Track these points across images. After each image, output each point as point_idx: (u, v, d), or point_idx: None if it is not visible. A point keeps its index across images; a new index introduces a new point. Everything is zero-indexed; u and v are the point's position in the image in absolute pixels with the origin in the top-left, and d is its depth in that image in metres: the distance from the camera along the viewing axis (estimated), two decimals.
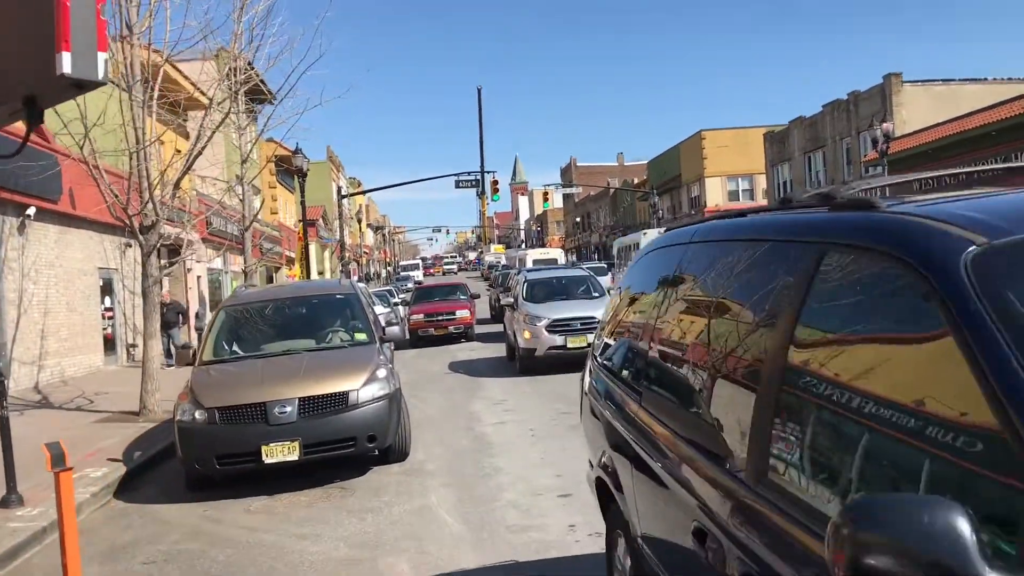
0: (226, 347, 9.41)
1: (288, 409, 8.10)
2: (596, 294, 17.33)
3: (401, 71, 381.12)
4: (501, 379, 15.32)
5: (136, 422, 12.86)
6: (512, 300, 17.62)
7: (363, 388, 8.36)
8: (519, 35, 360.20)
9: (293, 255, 48.86)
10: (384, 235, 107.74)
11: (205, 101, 15.33)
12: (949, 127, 29.87)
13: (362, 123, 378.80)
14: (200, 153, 13.72)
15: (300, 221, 51.37)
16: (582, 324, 15.15)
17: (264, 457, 7.98)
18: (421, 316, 23.96)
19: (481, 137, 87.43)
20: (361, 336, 9.50)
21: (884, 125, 29.03)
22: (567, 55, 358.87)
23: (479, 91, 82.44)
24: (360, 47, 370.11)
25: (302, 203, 30.53)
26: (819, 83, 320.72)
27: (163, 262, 14.72)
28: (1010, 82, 34.79)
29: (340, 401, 8.25)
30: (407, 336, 23.72)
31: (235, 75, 14.97)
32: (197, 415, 8.22)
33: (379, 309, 16.96)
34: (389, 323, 9.69)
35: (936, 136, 30.27)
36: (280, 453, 7.99)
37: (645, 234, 34.20)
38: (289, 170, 54.67)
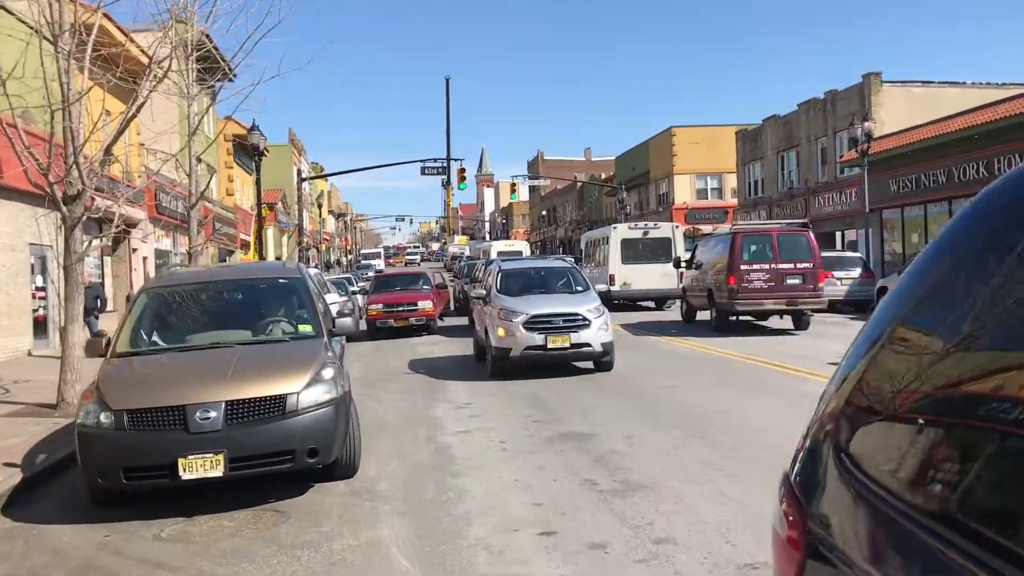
0: (145, 337, 7.95)
1: (212, 414, 6.70)
2: (579, 288, 15.29)
3: (368, 60, 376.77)
4: (466, 379, 13.98)
5: (51, 416, 11.34)
6: (483, 293, 15.45)
7: (305, 391, 6.99)
8: (488, 29, 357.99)
9: (249, 239, 47.06)
10: (346, 222, 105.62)
11: (144, 60, 13.76)
12: (930, 129, 29.14)
13: (328, 110, 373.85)
14: (135, 115, 12.20)
15: (255, 201, 49.56)
16: (565, 322, 13.45)
17: (181, 472, 6.58)
18: (380, 306, 22.54)
19: (448, 127, 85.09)
20: (306, 328, 8.10)
21: (866, 124, 28.16)
22: (537, 49, 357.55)
23: (447, 81, 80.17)
24: (325, 35, 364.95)
25: (257, 183, 28.86)
26: (785, 87, 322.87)
27: (90, 238, 13.15)
28: (989, 87, 34.27)
29: (276, 406, 6.88)
30: (359, 328, 22.30)
31: (175, 32, 13.34)
32: (102, 418, 6.79)
33: (332, 298, 15.52)
34: (341, 314, 8.29)
35: (916, 138, 29.52)
36: (201, 468, 6.59)
37: (615, 228, 33.02)
38: (247, 150, 52.83)
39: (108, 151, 12.15)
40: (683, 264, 26.43)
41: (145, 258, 30.54)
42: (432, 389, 12.97)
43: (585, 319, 13.41)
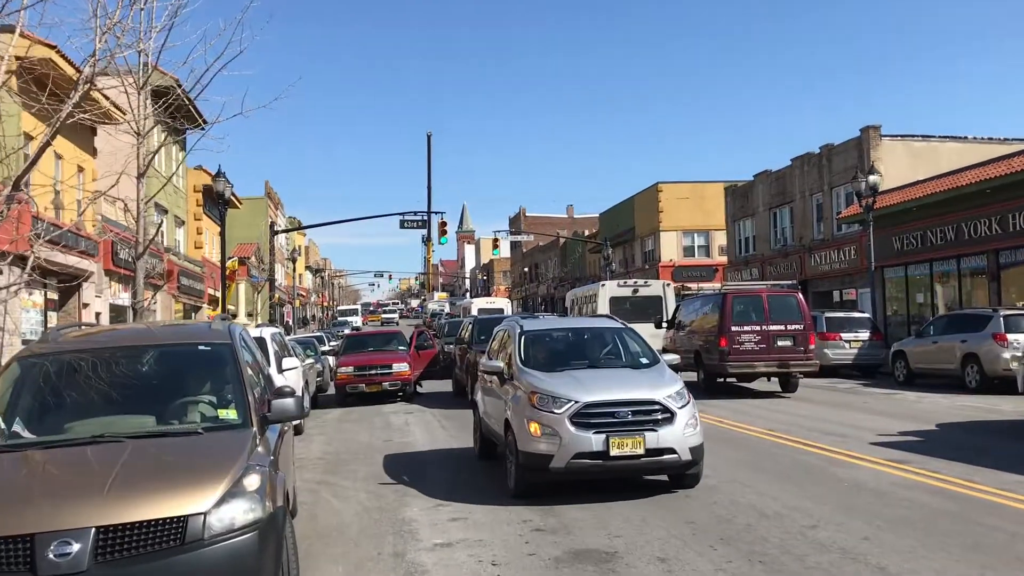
0: (3, 426, 5.77)
1: (74, 548, 4.53)
2: (644, 359, 10.25)
3: (348, 117, 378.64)
4: (447, 464, 11.76)
5: None
6: (499, 366, 10.43)
7: (216, 510, 4.84)
8: (468, 86, 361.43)
9: (218, 294, 44.79)
10: (323, 278, 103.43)
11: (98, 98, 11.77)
12: (940, 183, 27.65)
13: (307, 166, 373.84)
14: (50, 141, 10.14)
15: (230, 257, 47.34)
16: (636, 414, 8.72)
17: None
18: (351, 369, 20.36)
19: (429, 182, 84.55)
20: (229, 414, 5.93)
21: (871, 177, 26.63)
22: (519, 106, 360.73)
23: (428, 137, 79.40)
24: (303, 90, 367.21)
25: (221, 234, 26.78)
26: (770, 146, 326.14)
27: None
28: (991, 142, 33.08)
29: (172, 533, 4.71)
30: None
31: (103, 47, 11.30)
32: None
33: (292, 362, 13.37)
34: (281, 393, 6.12)
35: (925, 192, 28.01)
36: None
37: (603, 285, 31.17)
38: (225, 204, 50.80)
39: (17, 185, 10.06)
40: (664, 324, 25.29)
41: (99, 314, 28.21)
42: (406, 474, 10.75)
43: (666, 410, 8.80)
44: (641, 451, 8.58)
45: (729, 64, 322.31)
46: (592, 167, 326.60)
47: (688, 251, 55.71)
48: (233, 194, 46.33)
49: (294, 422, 7.56)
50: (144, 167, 16.85)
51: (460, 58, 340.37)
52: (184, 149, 41.96)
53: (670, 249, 55.43)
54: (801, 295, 20.49)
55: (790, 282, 24.56)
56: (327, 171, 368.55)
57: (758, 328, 19.47)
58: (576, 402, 8.73)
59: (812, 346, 19.80)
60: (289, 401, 6.08)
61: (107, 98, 19.70)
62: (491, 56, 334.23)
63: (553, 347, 10.68)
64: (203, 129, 35.57)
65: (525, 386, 9.37)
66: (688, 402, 9.06)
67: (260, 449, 5.64)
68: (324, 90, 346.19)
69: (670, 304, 30.29)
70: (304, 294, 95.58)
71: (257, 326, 16.99)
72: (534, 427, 8.82)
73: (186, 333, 7.19)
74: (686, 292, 30.83)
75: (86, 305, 26.56)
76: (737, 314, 19.68)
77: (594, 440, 8.55)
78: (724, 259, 51.45)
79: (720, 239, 53.89)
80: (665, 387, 9.13)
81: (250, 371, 6.62)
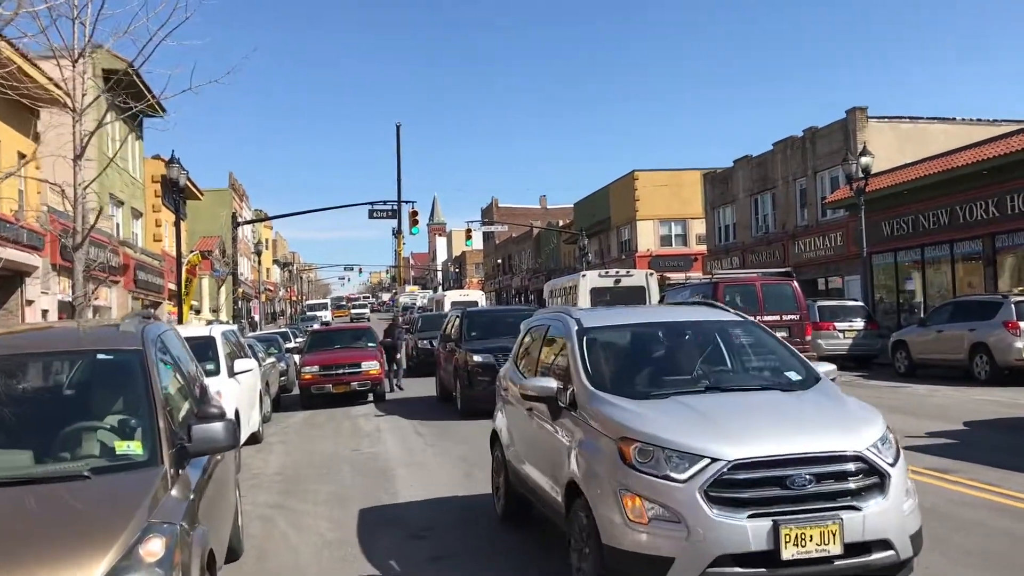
0: None
1: None
2: (796, 375, 6.30)
3: (317, 110, 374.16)
4: (423, 477, 10.29)
5: None
6: (551, 388, 6.05)
7: None
8: (439, 80, 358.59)
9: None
10: (291, 272, 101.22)
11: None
12: (933, 164, 26.54)
13: (273, 158, 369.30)
14: None
15: (191, 250, 45.34)
16: (820, 480, 4.84)
17: None
18: (315, 368, 18.75)
19: (399, 173, 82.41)
20: (132, 447, 4.40)
21: (863, 159, 25.44)
22: (489, 97, 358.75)
23: (398, 128, 77.28)
24: (278, 85, 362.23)
25: (177, 224, 24.97)
26: (746, 132, 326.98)
27: None
28: (980, 123, 32.11)
29: None
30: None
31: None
32: None
33: (245, 364, 11.81)
34: (206, 415, 4.56)
35: (918, 174, 26.89)
36: None
37: (584, 276, 29.80)
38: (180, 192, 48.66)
39: None
40: None
41: (46, 311, 26.31)
42: (376, 496, 9.24)
43: (873, 470, 4.99)
44: (837, 549, 4.76)
45: (703, 52, 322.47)
46: (564, 155, 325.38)
47: (665, 240, 54.52)
48: (190, 181, 44.32)
49: (254, 428, 6.03)
50: (81, 148, 15.12)
51: (430, 47, 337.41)
52: (140, 138, 40.03)
53: (647, 238, 54.22)
54: (796, 283, 19.24)
55: (785, 269, 23.31)
56: (295, 166, 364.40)
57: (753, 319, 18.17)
58: (714, 460, 4.85)
59: (808, 337, 18.63)
60: (216, 427, 4.55)
61: (35, 66, 17.93)
62: (461, 45, 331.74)
63: (639, 355, 6.72)
64: (155, 112, 33.62)
65: (606, 425, 5.40)
66: (899, 454, 5.25)
67: (174, 493, 4.14)
68: (292, 85, 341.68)
69: (654, 295, 29.04)
70: (272, 289, 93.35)
71: (208, 323, 15.38)
72: (633, 504, 4.92)
73: (86, 337, 5.60)
74: (671, 283, 29.59)
75: (30, 302, 24.67)
76: (729, 304, 18.37)
77: (752, 531, 4.72)
78: (702, 248, 50.33)
79: (698, 228, 52.77)
80: (861, 427, 5.25)
81: (171, 387, 5.09)
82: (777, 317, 18.32)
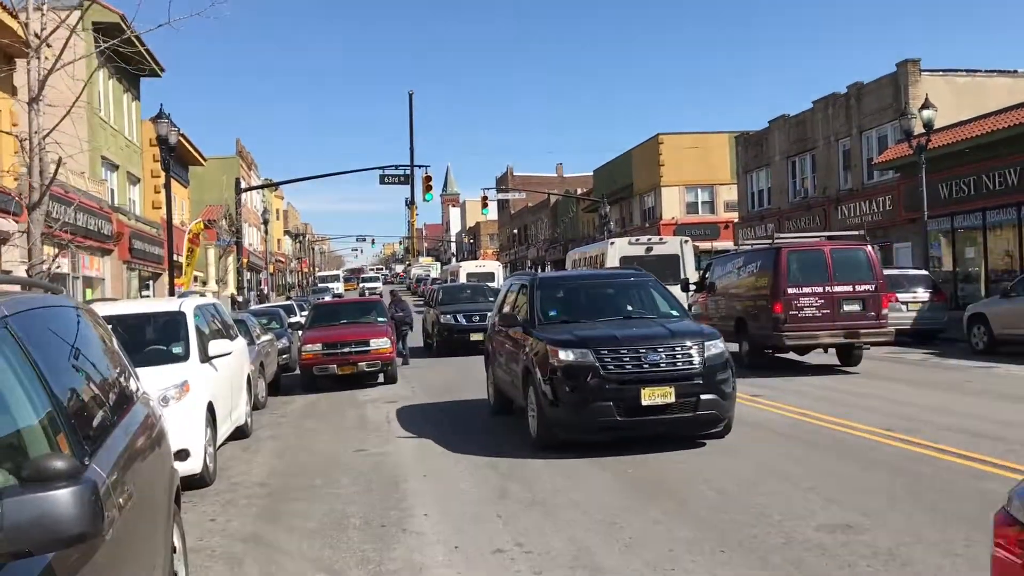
0: None
1: None
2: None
3: (330, 79, 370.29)
4: (446, 490, 8.06)
5: None
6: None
7: None
8: (452, 45, 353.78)
9: (182, 260, 40.73)
10: (301, 243, 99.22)
11: None
12: (1003, 118, 23.91)
13: (283, 128, 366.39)
14: None
15: (196, 220, 43.17)
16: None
17: None
18: (318, 347, 16.53)
19: (412, 142, 79.96)
20: None
21: (926, 112, 22.86)
22: (502, 64, 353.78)
23: (410, 96, 74.63)
24: (284, 57, 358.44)
25: (167, 186, 22.75)
26: (775, 97, 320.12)
27: None
28: None
29: None
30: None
31: None
32: None
33: (223, 346, 9.61)
34: (42, 473, 2.34)
35: (984, 130, 24.27)
36: None
37: (612, 243, 27.50)
38: (183, 158, 46.36)
39: None
40: (692, 286, 21.82)
41: None
42: (382, 519, 7.03)
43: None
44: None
45: (732, 17, 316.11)
46: (582, 120, 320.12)
47: (691, 208, 51.93)
48: (188, 142, 42.07)
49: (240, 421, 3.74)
50: (38, 88, 12.82)
51: (444, 12, 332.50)
52: (138, 99, 37.74)
53: (672, 206, 51.64)
54: (871, 248, 16.80)
55: (857, 232, 20.85)
56: (305, 135, 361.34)
57: (820, 290, 15.88)
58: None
59: (885, 310, 16.25)
60: (53, 503, 2.31)
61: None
62: (475, 10, 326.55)
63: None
64: (153, 72, 30.97)
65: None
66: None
67: None
68: (307, 62, 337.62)
69: (688, 263, 26.80)
70: (284, 260, 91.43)
71: (181, 296, 13.20)
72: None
73: None
74: (718, 251, 27.27)
75: (8, 272, 22.62)
76: (794, 273, 16.07)
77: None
78: (730, 216, 47.81)
79: (725, 194, 50.20)
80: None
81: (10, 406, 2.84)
82: (849, 288, 15.95)
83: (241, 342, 11.98)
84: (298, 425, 12.71)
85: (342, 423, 12.53)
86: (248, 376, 11.98)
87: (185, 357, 9.04)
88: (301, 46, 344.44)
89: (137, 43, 32.86)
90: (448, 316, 23.02)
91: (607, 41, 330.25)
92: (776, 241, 17.54)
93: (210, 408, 8.92)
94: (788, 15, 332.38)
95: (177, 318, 9.46)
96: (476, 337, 20.47)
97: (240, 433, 11.32)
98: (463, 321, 22.74)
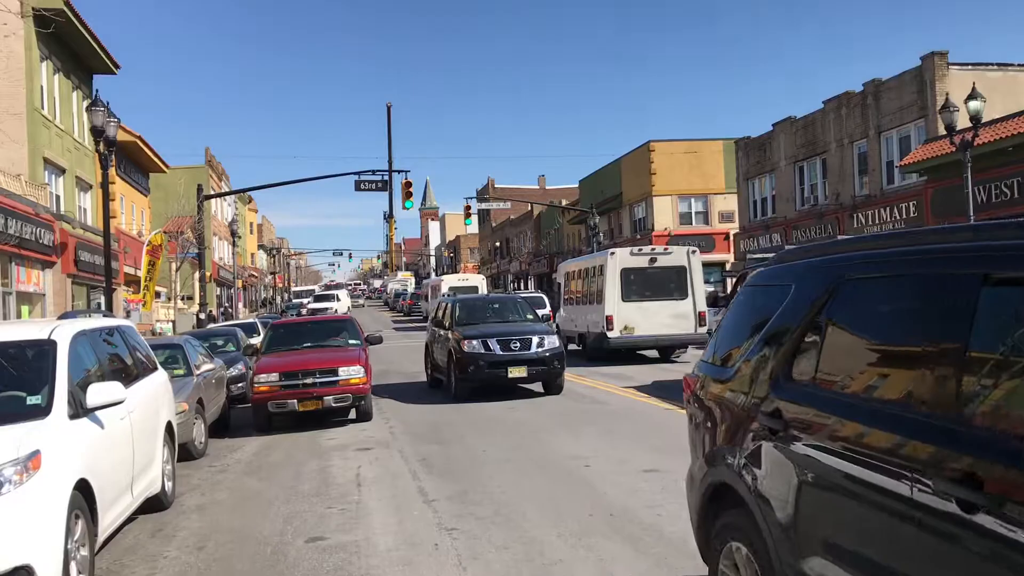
0: None
1: None
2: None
3: (307, 90, 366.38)
4: None
5: None
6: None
7: None
8: (431, 61, 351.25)
9: (139, 273, 37.40)
10: (275, 257, 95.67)
11: None
12: None
13: (258, 139, 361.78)
14: None
15: (151, 229, 39.87)
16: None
17: None
18: (275, 377, 13.35)
19: (390, 150, 76.99)
20: None
21: (973, 103, 20.22)
22: (482, 80, 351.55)
23: (388, 108, 71.63)
24: (269, 68, 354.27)
25: (104, 187, 19.58)
26: (770, 103, 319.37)
27: None
28: None
29: None
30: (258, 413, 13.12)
31: None
32: None
33: (101, 394, 6.53)
34: None
35: None
36: None
37: (612, 254, 24.65)
38: (141, 165, 43.02)
39: None
40: (719, 301, 19.29)
41: None
42: None
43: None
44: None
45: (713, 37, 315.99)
46: (566, 129, 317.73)
47: (685, 218, 49.24)
48: (141, 141, 38.75)
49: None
50: None
51: (425, 20, 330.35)
52: (90, 96, 34.48)
53: (664, 216, 48.92)
54: None
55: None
56: (276, 146, 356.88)
57: None
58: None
59: None
60: None
61: None
62: (455, 16, 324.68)
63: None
64: (105, 67, 27.66)
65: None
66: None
67: None
68: (274, 59, 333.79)
69: (696, 276, 24.09)
70: (256, 275, 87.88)
71: (62, 316, 10.08)
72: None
73: None
74: (753, 255, 24.55)
75: None
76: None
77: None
78: (726, 227, 45.21)
79: (721, 204, 47.63)
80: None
81: None
82: None
83: (158, 378, 8.87)
84: (238, 487, 9.59)
85: (297, 485, 9.43)
86: (168, 424, 8.89)
87: (45, 411, 5.94)
88: (273, 54, 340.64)
89: (85, 33, 29.91)
90: (475, 342, 16.30)
91: (581, 60, 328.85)
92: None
93: (83, 489, 5.85)
94: (788, 17, 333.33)
95: (42, 351, 6.36)
96: (517, 373, 15.91)
97: (154, 504, 8.25)
98: (498, 349, 16.14)
